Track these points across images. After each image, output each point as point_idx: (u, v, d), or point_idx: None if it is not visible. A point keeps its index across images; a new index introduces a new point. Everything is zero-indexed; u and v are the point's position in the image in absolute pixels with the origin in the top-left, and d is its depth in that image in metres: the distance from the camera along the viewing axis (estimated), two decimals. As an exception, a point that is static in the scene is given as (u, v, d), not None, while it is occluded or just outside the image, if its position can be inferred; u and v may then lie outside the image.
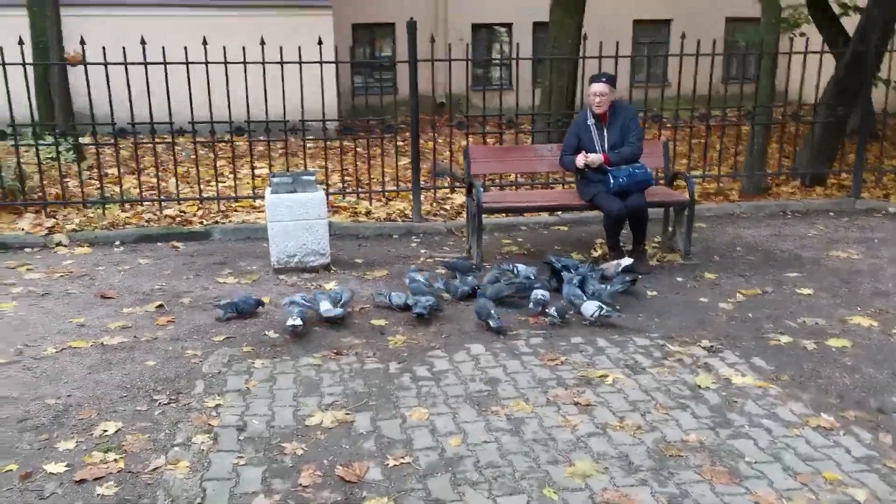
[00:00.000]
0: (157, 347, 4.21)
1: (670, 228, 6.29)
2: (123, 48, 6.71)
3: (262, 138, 7.26)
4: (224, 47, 6.72)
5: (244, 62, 6.71)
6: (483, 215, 5.82)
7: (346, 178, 8.28)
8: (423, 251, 6.38)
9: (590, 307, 4.55)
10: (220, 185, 7.90)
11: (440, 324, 4.63)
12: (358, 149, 9.33)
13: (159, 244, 6.59)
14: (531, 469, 2.95)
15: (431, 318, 4.64)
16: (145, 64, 6.67)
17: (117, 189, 7.45)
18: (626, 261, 5.48)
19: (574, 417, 3.38)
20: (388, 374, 3.86)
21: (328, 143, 7.64)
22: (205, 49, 6.72)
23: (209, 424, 3.29)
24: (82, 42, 6.71)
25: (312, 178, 5.69)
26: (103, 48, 6.68)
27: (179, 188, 7.55)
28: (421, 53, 6.98)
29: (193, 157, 7.99)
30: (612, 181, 5.54)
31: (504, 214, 6.68)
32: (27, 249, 6.42)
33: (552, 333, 4.43)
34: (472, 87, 15.14)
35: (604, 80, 5.61)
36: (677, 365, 3.98)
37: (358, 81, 17.78)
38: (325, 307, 4.54)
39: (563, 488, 2.82)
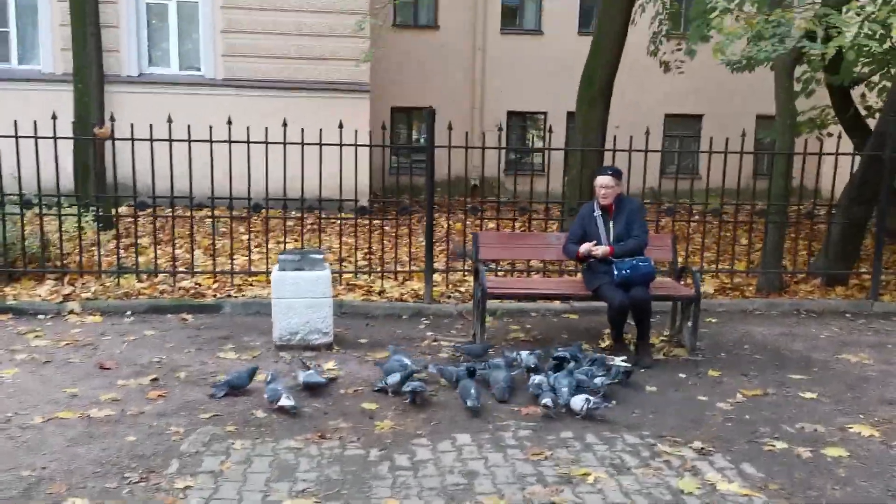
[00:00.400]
0: (142, 422, 4.23)
1: (678, 323, 6.21)
2: (169, 124, 6.97)
3: (294, 214, 7.41)
4: (266, 128, 7.05)
5: (284, 142, 6.96)
6: (488, 300, 5.82)
7: (369, 256, 8.37)
8: (429, 333, 6.39)
9: (578, 401, 4.49)
10: (241, 258, 8.02)
11: (433, 410, 4.60)
12: (386, 227, 9.51)
13: (169, 316, 6.69)
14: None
15: (424, 405, 4.61)
16: (171, 141, 6.92)
17: (139, 260, 7.61)
18: (624, 365, 5.35)
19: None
20: (366, 462, 3.83)
21: (358, 221, 7.80)
22: (247, 129, 6.99)
23: (175, 506, 3.27)
24: (112, 119, 6.98)
25: (320, 256, 5.78)
26: (131, 125, 6.95)
27: (196, 261, 7.69)
28: (457, 139, 7.16)
29: (224, 230, 8.15)
30: (615, 272, 5.54)
31: (514, 300, 6.67)
32: (40, 316, 6.55)
33: (543, 426, 4.37)
34: (506, 171, 15.39)
35: (610, 172, 5.68)
36: (664, 466, 3.88)
37: (395, 162, 18.21)
38: (306, 373, 4.58)
39: None
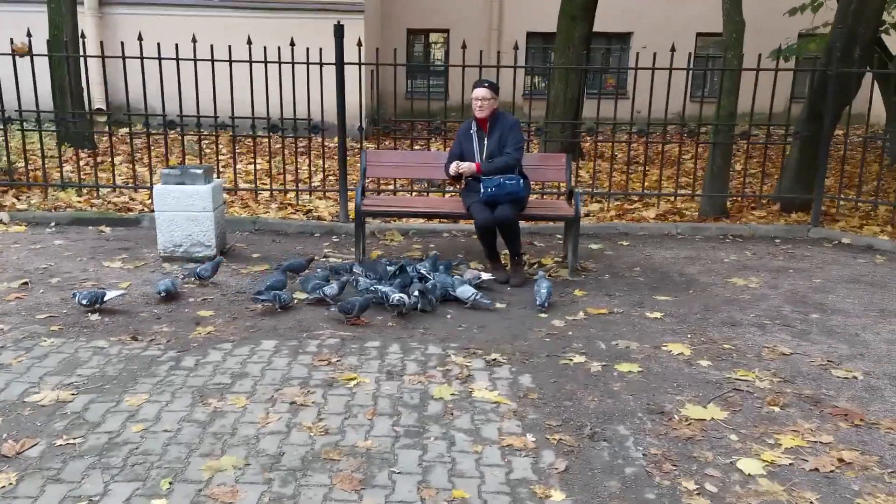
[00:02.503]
0: (-25, 320, 4.54)
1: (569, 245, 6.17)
2: (158, 45, 7.24)
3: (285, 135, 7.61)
4: (262, 47, 7.19)
5: (251, 61, 7.20)
6: (366, 218, 5.90)
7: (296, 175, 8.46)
8: (328, 251, 6.50)
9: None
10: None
11: (274, 318, 4.74)
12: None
13: (90, 228, 7.01)
14: (177, 459, 3.05)
15: (273, 314, 4.80)
16: (159, 59, 7.11)
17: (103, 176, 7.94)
18: (486, 275, 5.47)
19: (275, 415, 3.44)
20: (153, 362, 4.03)
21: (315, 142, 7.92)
22: (243, 48, 7.09)
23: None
24: (29, 35, 7.19)
25: (201, 171, 5.92)
26: (100, 43, 7.18)
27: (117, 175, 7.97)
28: (471, 60, 7.19)
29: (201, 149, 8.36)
30: (482, 191, 5.52)
31: (395, 219, 6.74)
32: (-31, 225, 6.94)
33: (358, 336, 4.47)
34: (523, 95, 15.01)
35: (486, 84, 5.59)
36: (439, 374, 3.96)
37: (413, 86, 18.15)
38: (162, 281, 4.92)
39: (184, 479, 2.90)
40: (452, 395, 3.73)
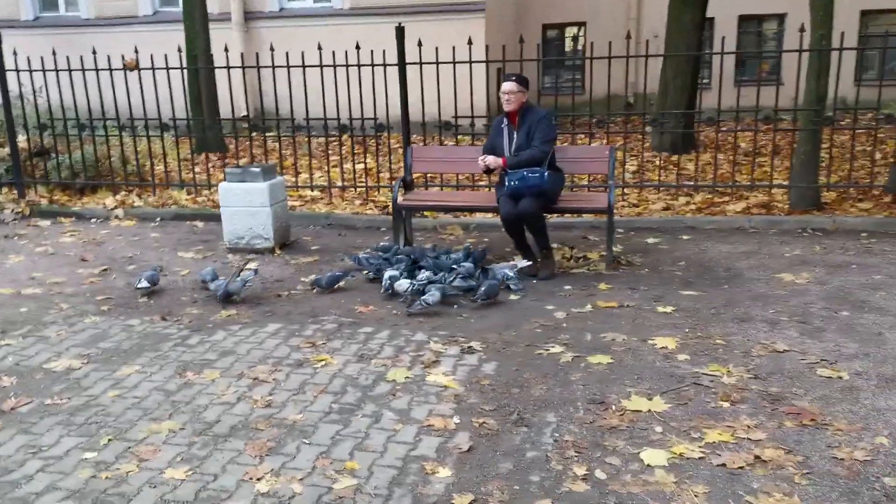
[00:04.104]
0: (46, 298, 5.31)
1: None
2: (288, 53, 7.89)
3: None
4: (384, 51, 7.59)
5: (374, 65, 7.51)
6: (403, 211, 6.19)
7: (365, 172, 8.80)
8: (384, 244, 6.82)
9: (403, 284, 4.93)
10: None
11: (290, 304, 5.16)
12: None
13: (186, 222, 7.80)
14: (128, 421, 3.48)
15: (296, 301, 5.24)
16: (304, 67, 7.87)
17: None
18: (523, 262, 5.60)
19: (233, 389, 3.81)
20: (165, 339, 4.54)
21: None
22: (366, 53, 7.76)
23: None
24: (136, 51, 8.10)
25: (259, 169, 6.46)
26: (240, 55, 8.03)
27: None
28: (614, 50, 7.24)
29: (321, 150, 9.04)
30: (506, 184, 5.63)
31: (459, 214, 6.92)
32: (93, 220, 7.97)
33: (357, 322, 4.77)
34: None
35: (514, 78, 5.68)
36: (407, 358, 4.16)
37: (547, 82, 18.14)
38: (215, 283, 5.28)
39: (123, 438, 3.33)
40: (406, 378, 3.92)
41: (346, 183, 8.47)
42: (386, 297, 5.14)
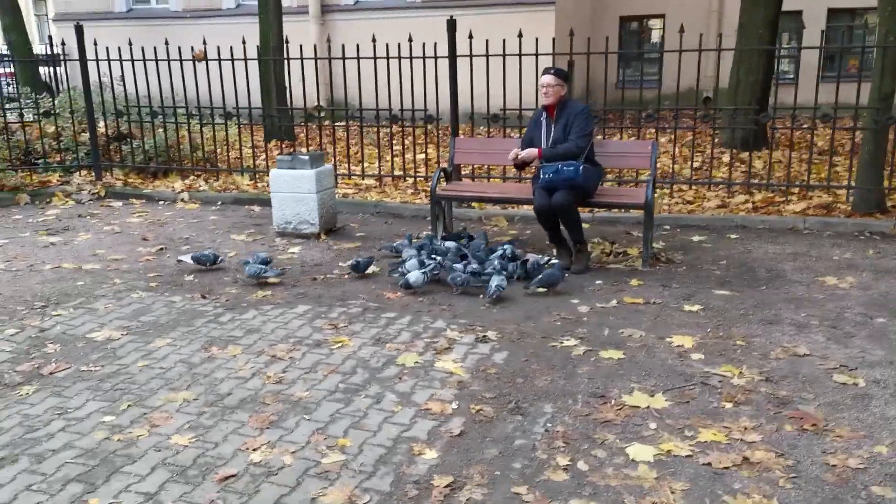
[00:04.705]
0: (102, 275, 5.66)
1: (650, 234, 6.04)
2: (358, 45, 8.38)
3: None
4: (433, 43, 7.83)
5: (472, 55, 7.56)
6: (443, 201, 6.30)
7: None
8: (426, 232, 6.95)
9: (458, 276, 5.13)
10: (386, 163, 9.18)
11: (323, 287, 5.36)
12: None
13: (245, 207, 8.12)
14: (149, 390, 3.72)
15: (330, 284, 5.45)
16: (375, 58, 8.16)
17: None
18: (555, 260, 5.64)
19: (250, 364, 4.01)
20: (200, 315, 4.79)
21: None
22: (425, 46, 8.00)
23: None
24: (204, 43, 8.45)
25: (307, 157, 6.68)
26: (313, 47, 8.35)
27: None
28: (690, 44, 7.30)
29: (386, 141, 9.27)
30: (541, 177, 5.66)
31: (505, 206, 6.98)
32: (161, 202, 8.39)
33: (382, 307, 4.91)
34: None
35: (552, 72, 5.69)
36: (421, 344, 4.28)
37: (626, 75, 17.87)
38: (248, 267, 5.51)
39: (141, 405, 3.56)
40: (416, 362, 4.03)
41: (397, 172, 8.60)
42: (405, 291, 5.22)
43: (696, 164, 9.22)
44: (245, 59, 8.30)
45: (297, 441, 3.22)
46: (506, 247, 5.74)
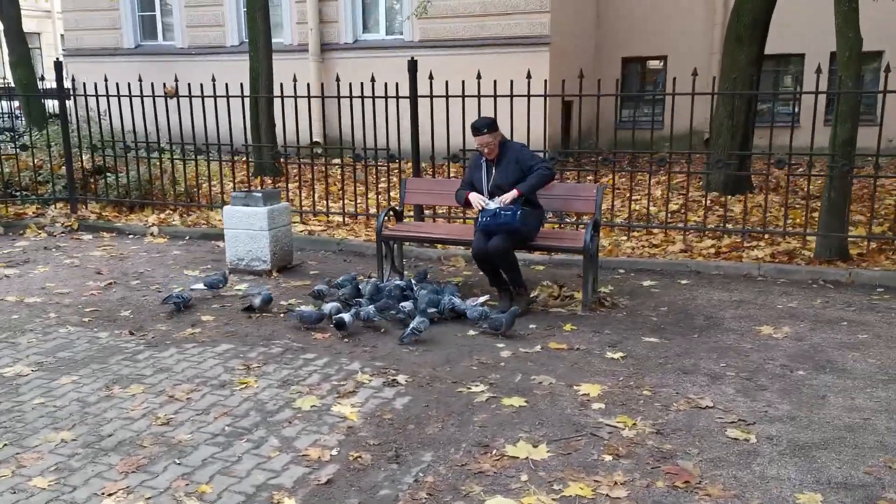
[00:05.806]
0: (42, 309, 5.72)
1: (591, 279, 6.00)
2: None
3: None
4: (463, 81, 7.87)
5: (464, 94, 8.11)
6: (391, 242, 6.30)
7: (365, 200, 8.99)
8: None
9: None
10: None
11: (253, 326, 5.36)
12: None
13: (211, 242, 8.18)
14: (31, 428, 3.72)
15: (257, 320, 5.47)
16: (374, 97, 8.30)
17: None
18: (482, 298, 5.62)
19: (144, 405, 3.99)
20: (118, 352, 4.80)
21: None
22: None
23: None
24: (176, 80, 8.59)
25: (260, 195, 6.73)
26: (307, 85, 8.50)
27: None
28: (684, 87, 7.38)
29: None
30: (480, 219, 5.65)
31: (460, 247, 6.96)
32: (130, 235, 8.49)
33: (304, 347, 4.90)
34: (758, 123, 14.07)
35: (485, 131, 5.63)
36: (327, 387, 4.24)
37: (625, 115, 17.92)
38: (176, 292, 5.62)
39: (18, 444, 3.56)
40: (312, 406, 4.00)
41: (369, 210, 8.64)
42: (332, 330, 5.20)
43: (674, 208, 9.13)
44: (227, 96, 8.42)
45: (158, 486, 3.19)
46: (446, 290, 5.70)
